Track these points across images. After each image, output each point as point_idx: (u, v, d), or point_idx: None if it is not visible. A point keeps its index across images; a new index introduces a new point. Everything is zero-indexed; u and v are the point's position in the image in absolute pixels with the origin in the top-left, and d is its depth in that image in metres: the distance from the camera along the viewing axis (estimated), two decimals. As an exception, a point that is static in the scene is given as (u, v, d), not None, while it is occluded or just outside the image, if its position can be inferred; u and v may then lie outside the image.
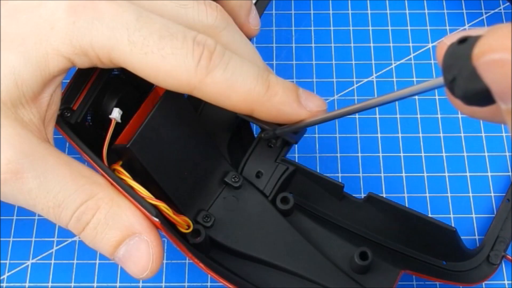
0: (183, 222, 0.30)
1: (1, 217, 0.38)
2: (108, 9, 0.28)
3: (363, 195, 0.36)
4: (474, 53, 0.18)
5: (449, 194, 0.39)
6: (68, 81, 0.32)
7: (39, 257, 0.37)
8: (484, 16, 0.44)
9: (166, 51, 0.28)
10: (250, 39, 0.35)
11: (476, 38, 0.19)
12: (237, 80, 0.28)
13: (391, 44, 0.44)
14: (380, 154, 0.40)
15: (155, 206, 0.29)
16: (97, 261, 0.37)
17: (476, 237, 0.37)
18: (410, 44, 0.44)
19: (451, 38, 0.23)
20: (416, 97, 0.42)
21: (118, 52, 0.28)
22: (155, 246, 0.29)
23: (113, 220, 0.28)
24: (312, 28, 0.44)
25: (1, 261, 0.37)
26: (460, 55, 0.19)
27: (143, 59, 0.28)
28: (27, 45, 0.28)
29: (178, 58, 0.28)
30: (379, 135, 0.40)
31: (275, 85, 0.29)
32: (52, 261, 0.37)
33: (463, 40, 0.19)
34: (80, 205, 0.28)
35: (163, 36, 0.28)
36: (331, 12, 0.45)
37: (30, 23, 0.28)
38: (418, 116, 0.41)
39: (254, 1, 0.36)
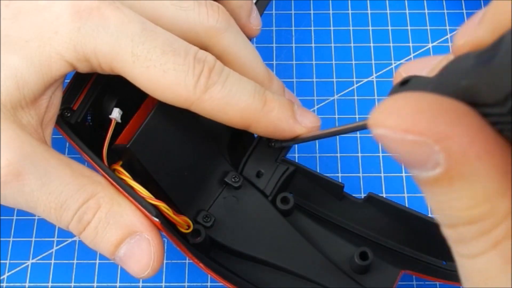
0: (183, 222, 0.30)
1: (1, 217, 0.38)
2: (114, 17, 0.28)
3: (363, 195, 0.36)
4: (368, 123, 0.16)
5: (449, 194, 0.39)
6: (68, 81, 0.32)
7: (39, 257, 0.37)
8: (484, 16, 0.44)
9: (167, 66, 0.28)
10: (251, 39, 0.35)
11: (417, 81, 0.17)
12: (235, 97, 0.29)
13: (391, 44, 0.44)
14: (380, 154, 0.40)
15: (155, 206, 0.29)
16: (97, 261, 0.37)
17: (476, 237, 0.37)
18: (410, 44, 0.44)
19: (407, 68, 0.22)
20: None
21: (121, 63, 0.28)
22: (156, 244, 0.29)
23: (114, 219, 0.28)
24: (312, 28, 0.44)
25: (1, 261, 0.37)
26: None
27: (144, 72, 0.28)
28: (31, 48, 0.27)
29: (179, 74, 0.28)
30: (379, 135, 0.40)
31: (272, 101, 0.30)
32: (52, 261, 0.37)
33: (404, 82, 0.18)
34: (82, 205, 0.28)
35: (165, 52, 0.28)
36: (331, 12, 0.45)
37: (34, 27, 0.28)
38: (418, 116, 0.41)
39: (254, 1, 0.36)
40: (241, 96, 0.29)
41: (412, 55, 0.43)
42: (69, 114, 0.31)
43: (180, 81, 0.28)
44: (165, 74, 0.28)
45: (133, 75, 0.28)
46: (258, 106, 0.29)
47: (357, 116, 0.41)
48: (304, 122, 0.30)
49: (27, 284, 0.37)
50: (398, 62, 0.43)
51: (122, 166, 0.30)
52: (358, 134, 0.40)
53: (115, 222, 0.28)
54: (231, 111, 0.29)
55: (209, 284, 0.36)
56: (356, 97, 0.42)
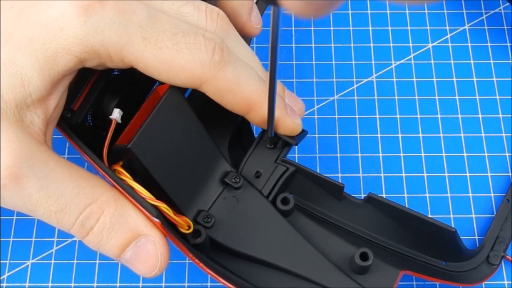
0: (183, 223, 0.30)
1: (1, 217, 0.38)
2: (118, 8, 0.28)
3: (363, 195, 0.36)
4: None
5: (449, 194, 0.39)
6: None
7: (39, 257, 0.37)
8: (484, 16, 0.44)
9: (180, 46, 0.28)
10: (251, 38, 0.35)
11: None
12: (245, 79, 0.30)
13: (391, 44, 0.44)
14: (380, 154, 0.40)
15: (155, 207, 0.29)
16: (97, 261, 0.37)
17: (476, 237, 0.37)
18: (410, 44, 0.44)
19: None
20: (416, 97, 0.42)
21: (132, 49, 0.28)
22: (162, 245, 0.29)
23: (119, 223, 0.28)
24: (312, 28, 0.44)
25: (1, 261, 0.37)
26: None
27: (157, 54, 0.28)
28: (35, 45, 0.27)
29: (192, 52, 0.29)
30: (379, 135, 0.40)
31: None
32: (52, 261, 0.37)
33: None
34: (84, 209, 0.28)
35: (175, 33, 0.28)
36: (331, 12, 0.45)
37: (38, 25, 0.28)
38: (418, 116, 0.41)
39: (255, 1, 0.36)
40: (249, 80, 0.30)
41: (412, 55, 0.43)
42: (69, 115, 0.31)
43: (195, 58, 0.29)
44: (179, 53, 0.28)
45: (145, 60, 0.28)
46: (263, 93, 0.30)
47: (357, 116, 0.41)
48: (293, 114, 0.32)
49: (27, 284, 0.37)
50: (398, 62, 0.43)
51: (122, 166, 0.30)
52: (358, 134, 0.40)
53: (120, 226, 0.28)
54: (239, 93, 0.30)
55: (209, 284, 0.36)
56: (356, 97, 0.42)
